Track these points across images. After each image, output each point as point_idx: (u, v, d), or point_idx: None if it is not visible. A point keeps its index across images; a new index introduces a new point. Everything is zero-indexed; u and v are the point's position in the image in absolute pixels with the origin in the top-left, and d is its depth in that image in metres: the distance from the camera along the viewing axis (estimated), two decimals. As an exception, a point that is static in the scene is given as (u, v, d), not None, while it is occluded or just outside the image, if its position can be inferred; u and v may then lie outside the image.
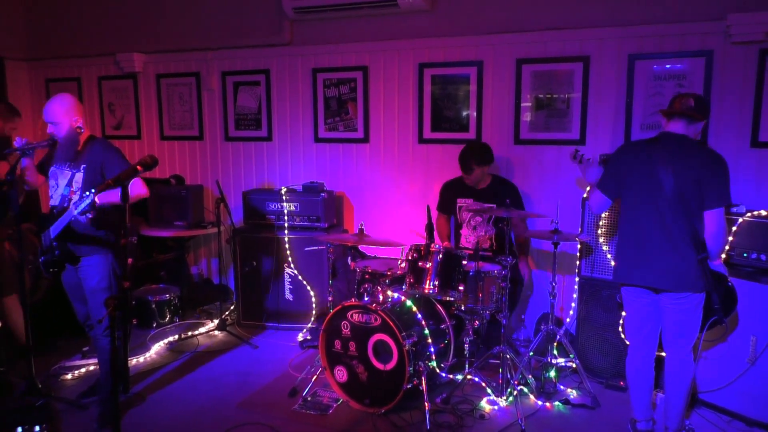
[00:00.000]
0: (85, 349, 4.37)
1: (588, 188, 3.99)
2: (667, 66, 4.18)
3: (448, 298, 3.67)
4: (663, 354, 3.18)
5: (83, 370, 4.14)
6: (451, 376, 3.76)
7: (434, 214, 4.62)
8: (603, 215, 3.89)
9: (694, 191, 2.89)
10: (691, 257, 2.91)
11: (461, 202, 4.44)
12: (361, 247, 4.76)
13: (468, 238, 4.40)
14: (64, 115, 3.33)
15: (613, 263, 3.87)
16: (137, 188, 3.36)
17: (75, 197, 3.31)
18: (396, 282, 3.85)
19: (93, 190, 3.03)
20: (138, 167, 2.82)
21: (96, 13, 6.04)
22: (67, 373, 4.08)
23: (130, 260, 2.95)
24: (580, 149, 3.87)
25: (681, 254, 2.92)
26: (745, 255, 3.42)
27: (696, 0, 4.08)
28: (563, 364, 3.93)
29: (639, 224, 3.03)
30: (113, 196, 3.22)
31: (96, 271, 3.42)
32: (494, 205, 4.24)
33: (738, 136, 4.04)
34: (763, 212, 3.47)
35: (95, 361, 4.13)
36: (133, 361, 4.30)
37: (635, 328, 3.19)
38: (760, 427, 3.34)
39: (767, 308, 3.28)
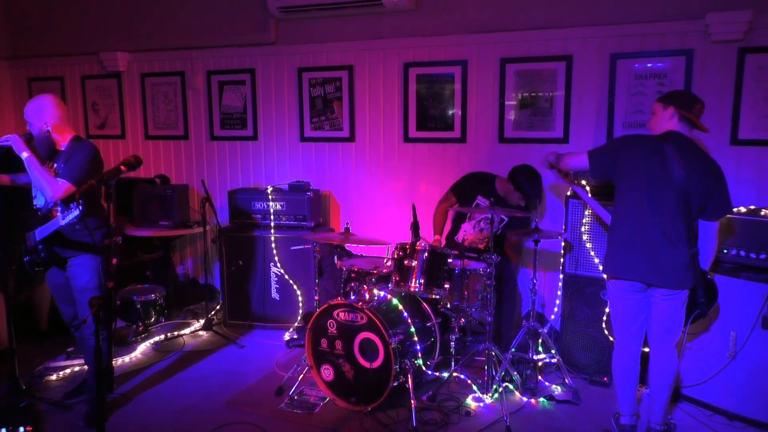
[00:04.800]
0: (69, 349, 4.34)
1: (571, 189, 4.04)
2: (649, 65, 4.24)
3: (434, 296, 3.69)
4: (646, 350, 3.22)
5: (68, 370, 4.11)
6: (437, 374, 3.79)
7: (422, 208, 4.60)
8: (586, 213, 3.93)
9: (699, 196, 2.94)
10: (685, 254, 2.96)
11: (481, 200, 4.33)
12: (348, 246, 4.77)
13: (467, 232, 4.40)
14: (34, 114, 3.32)
15: (596, 259, 3.92)
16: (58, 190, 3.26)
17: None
18: (382, 280, 3.87)
19: (82, 201, 2.98)
20: (122, 167, 2.81)
21: (79, 11, 5.99)
22: (51, 374, 4.05)
23: (115, 260, 2.95)
24: (562, 148, 3.91)
25: (678, 251, 2.95)
26: (725, 251, 3.48)
27: (676, -1, 4.14)
28: (546, 360, 3.97)
29: (641, 218, 3.00)
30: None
31: (85, 271, 3.40)
32: (502, 215, 4.23)
33: (717, 133, 4.10)
34: (743, 209, 3.54)
35: (80, 361, 4.13)
36: (119, 362, 4.28)
37: (624, 323, 3.19)
38: (741, 420, 3.39)
39: (746, 304, 3.34)
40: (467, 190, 4.44)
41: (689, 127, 3.05)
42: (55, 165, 3.34)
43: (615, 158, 3.10)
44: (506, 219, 4.33)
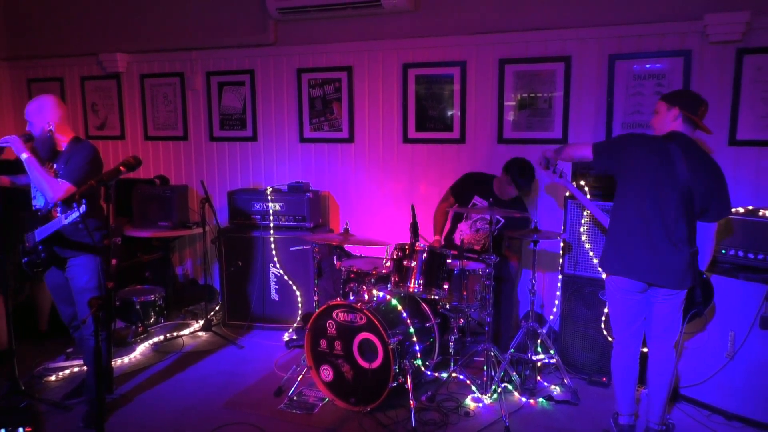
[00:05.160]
0: (69, 350, 4.35)
1: (568, 192, 4.05)
2: (647, 66, 4.24)
3: (433, 297, 3.69)
4: (645, 350, 3.23)
5: (67, 371, 4.11)
6: (436, 374, 3.80)
7: (421, 208, 4.61)
8: (585, 213, 3.94)
9: (702, 197, 2.94)
10: (686, 254, 2.96)
11: (477, 200, 4.38)
12: (347, 247, 4.77)
13: (463, 232, 4.42)
14: (36, 114, 3.32)
15: (595, 260, 3.92)
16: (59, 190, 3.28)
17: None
18: (381, 281, 3.87)
19: (84, 201, 2.98)
20: (121, 168, 2.82)
21: (78, 12, 6.00)
22: (50, 375, 4.05)
23: (114, 261, 2.95)
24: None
25: (679, 252, 2.96)
26: (723, 251, 3.48)
27: (674, 0, 4.14)
28: (545, 360, 3.98)
29: (643, 217, 2.99)
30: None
31: (84, 271, 3.40)
32: (498, 216, 4.27)
33: (716, 134, 4.09)
34: (740, 209, 3.54)
35: (79, 362, 4.13)
36: (118, 362, 4.28)
37: (624, 324, 3.19)
38: (739, 420, 3.40)
39: (744, 304, 3.34)
40: (464, 190, 4.47)
41: (692, 128, 3.05)
42: (55, 165, 3.35)
43: (619, 156, 3.08)
44: (502, 221, 4.33)
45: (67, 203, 3.20)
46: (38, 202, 3.42)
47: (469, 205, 4.39)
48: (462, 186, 4.50)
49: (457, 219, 4.50)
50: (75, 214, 3.01)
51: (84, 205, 2.96)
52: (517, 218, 4.26)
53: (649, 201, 2.98)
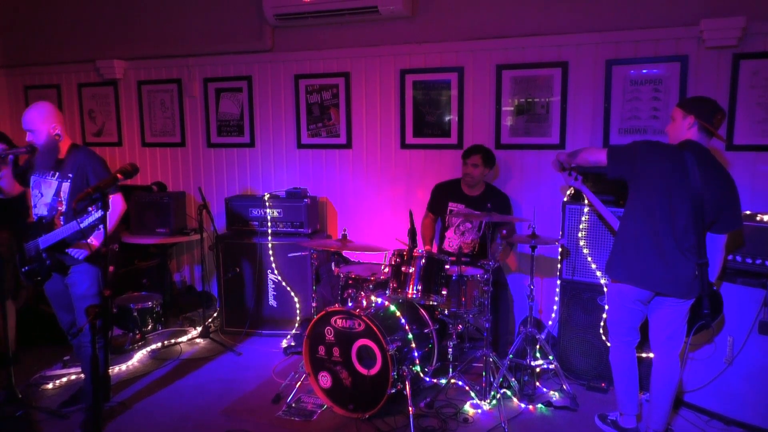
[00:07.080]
0: (66, 358, 4.33)
1: (571, 190, 4.05)
2: (644, 71, 4.25)
3: (431, 303, 3.69)
4: (644, 355, 3.22)
5: (64, 379, 4.09)
6: (434, 381, 3.79)
7: (420, 214, 4.67)
8: (583, 219, 3.94)
9: (713, 209, 2.94)
10: (694, 264, 2.96)
11: (453, 206, 4.47)
12: (345, 253, 4.77)
13: (452, 241, 4.44)
14: (41, 122, 3.30)
15: (594, 265, 3.92)
16: (117, 205, 3.38)
17: (62, 207, 3.31)
18: (379, 287, 3.87)
19: (100, 204, 2.91)
20: (118, 176, 2.81)
21: (75, 19, 6.00)
22: (47, 383, 4.03)
23: (111, 268, 2.95)
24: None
25: (688, 261, 2.95)
26: (721, 256, 3.48)
27: (670, 5, 4.15)
28: (544, 366, 3.97)
29: (653, 226, 2.98)
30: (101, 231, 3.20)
31: (85, 278, 3.40)
32: (483, 213, 4.26)
33: (714, 139, 4.11)
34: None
35: (76, 370, 4.12)
36: (116, 369, 4.27)
37: (625, 328, 3.19)
38: (738, 425, 3.39)
39: (743, 309, 3.34)
40: (438, 202, 4.58)
41: (708, 137, 3.03)
42: (57, 173, 3.35)
43: (633, 162, 3.05)
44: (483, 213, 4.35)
45: (79, 210, 3.18)
46: (40, 211, 3.41)
47: (447, 212, 4.46)
48: (434, 199, 4.63)
49: (443, 229, 4.56)
50: (93, 217, 2.97)
51: (100, 210, 2.88)
52: (498, 203, 4.27)
53: (660, 209, 2.96)
